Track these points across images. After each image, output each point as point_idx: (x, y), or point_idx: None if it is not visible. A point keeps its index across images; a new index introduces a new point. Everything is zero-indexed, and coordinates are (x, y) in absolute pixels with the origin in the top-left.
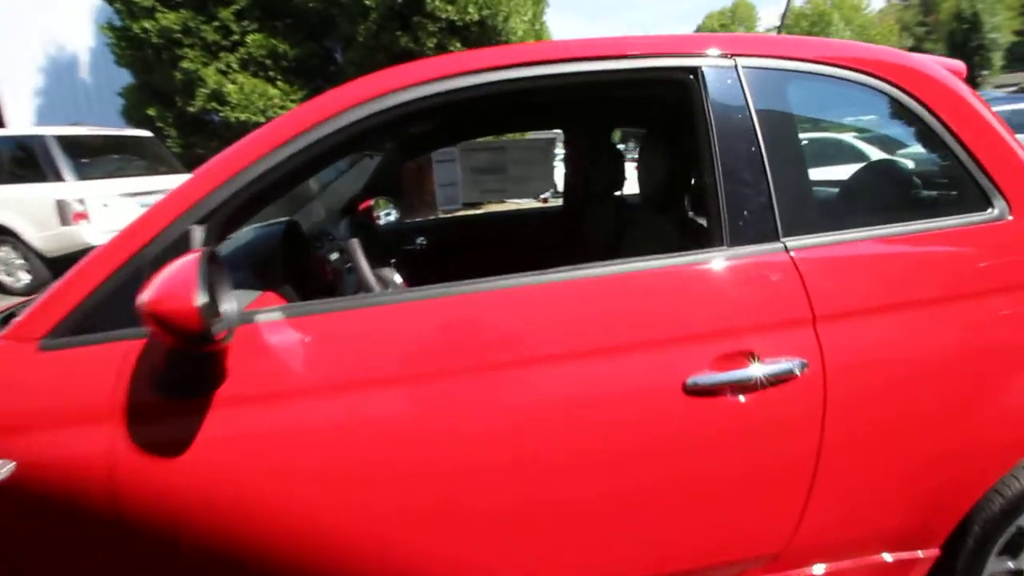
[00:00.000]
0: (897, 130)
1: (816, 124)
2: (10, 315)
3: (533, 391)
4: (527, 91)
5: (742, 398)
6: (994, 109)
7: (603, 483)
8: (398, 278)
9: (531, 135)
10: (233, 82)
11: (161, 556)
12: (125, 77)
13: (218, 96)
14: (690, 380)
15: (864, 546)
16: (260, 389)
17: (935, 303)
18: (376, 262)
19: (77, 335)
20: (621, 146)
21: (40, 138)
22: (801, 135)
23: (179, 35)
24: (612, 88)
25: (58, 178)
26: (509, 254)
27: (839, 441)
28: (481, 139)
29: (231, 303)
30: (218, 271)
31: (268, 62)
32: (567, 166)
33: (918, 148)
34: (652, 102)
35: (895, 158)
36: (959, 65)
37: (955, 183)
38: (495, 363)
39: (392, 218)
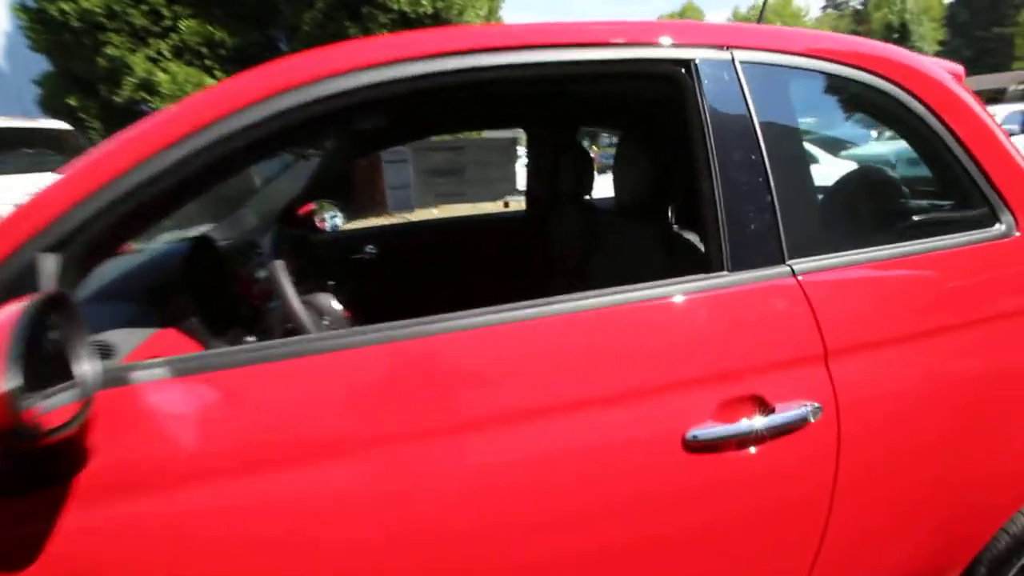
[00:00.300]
0: (847, 131)
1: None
2: None
3: (504, 456)
4: (490, 83)
5: (751, 450)
6: None
7: (589, 557)
8: (336, 305)
9: (489, 134)
10: (164, 70)
11: None
12: (42, 63)
13: (147, 85)
14: (690, 434)
15: None
16: (133, 475)
17: (949, 330)
18: (315, 280)
19: None
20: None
21: None
22: None
23: (102, 19)
24: (588, 82)
25: None
26: (469, 264)
27: (852, 485)
28: (436, 138)
29: (89, 364)
30: (69, 320)
31: (204, 50)
32: (530, 168)
33: (868, 150)
34: (632, 99)
35: (881, 167)
36: (959, 69)
37: (959, 196)
38: (455, 424)
39: (338, 222)
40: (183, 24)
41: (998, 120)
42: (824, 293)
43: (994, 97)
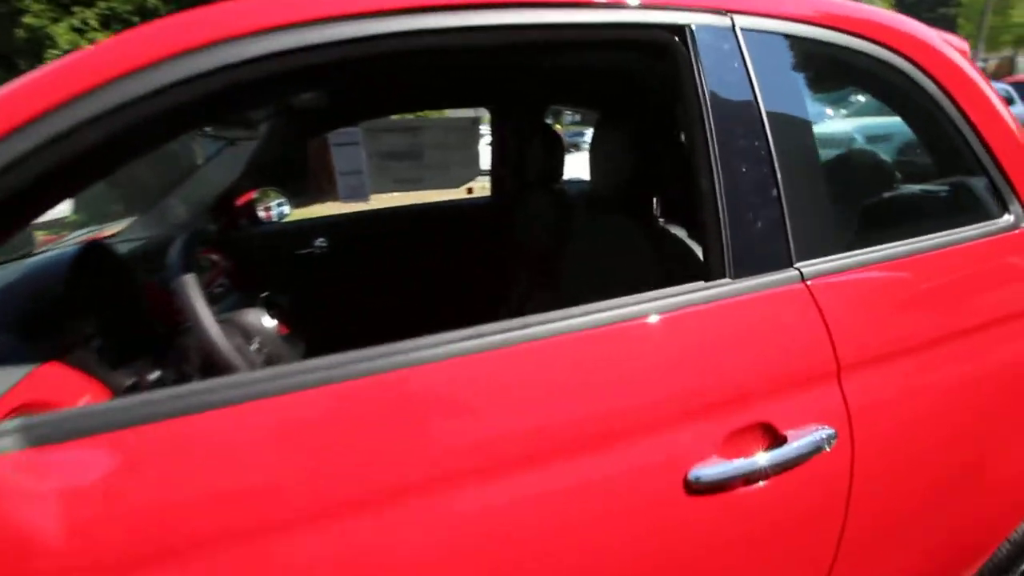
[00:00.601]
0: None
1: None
2: None
3: (469, 524)
4: (446, 51)
5: (761, 484)
6: None
7: None
8: (268, 322)
9: (451, 113)
10: (91, 42)
11: None
12: None
13: None
14: (692, 474)
15: None
16: None
17: (963, 335)
18: (246, 288)
19: None
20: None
21: None
22: None
23: None
24: (562, 51)
25: None
26: (430, 258)
27: (865, 506)
28: (389, 118)
29: None
30: None
31: (136, 19)
32: (495, 152)
33: (829, 128)
34: (613, 72)
35: (872, 150)
36: (964, 45)
37: (963, 183)
38: (411, 484)
39: (285, 211)
40: None
41: None
42: (835, 299)
43: None
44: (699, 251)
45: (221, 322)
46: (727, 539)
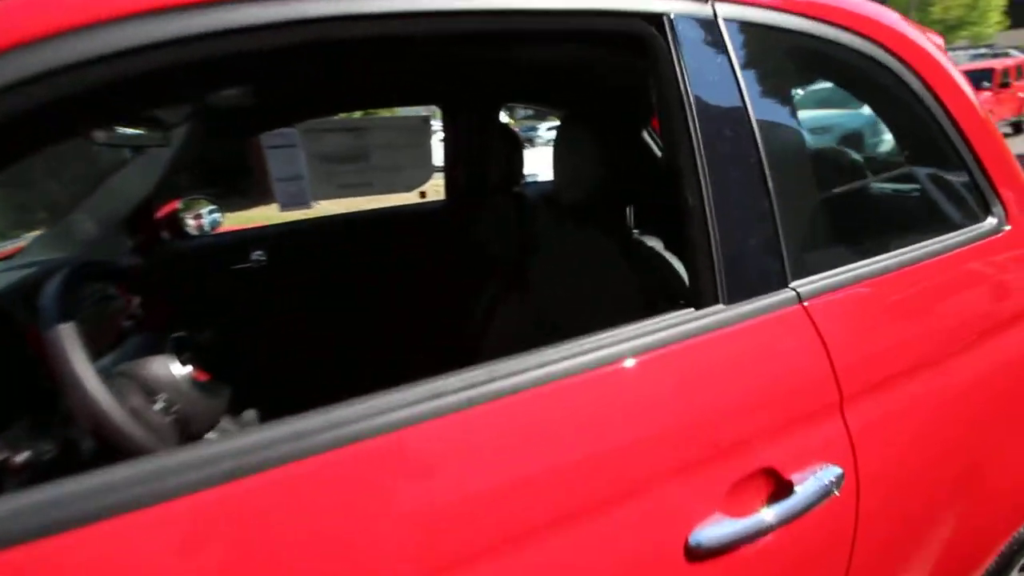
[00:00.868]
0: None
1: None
2: None
3: None
4: (390, 43)
5: (769, 538)
6: None
7: None
8: (179, 370)
9: (400, 112)
10: None
11: None
12: None
13: None
14: (694, 538)
15: None
16: None
17: (963, 345)
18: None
19: None
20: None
21: None
22: None
23: None
24: (525, 42)
25: None
26: (383, 268)
27: (871, 538)
28: (330, 118)
29: None
30: None
31: None
32: (448, 153)
33: None
34: (581, 66)
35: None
36: (940, 40)
37: (947, 186)
38: None
39: (218, 218)
40: None
41: None
42: (833, 321)
43: None
44: (680, 267)
45: (115, 376)
46: None
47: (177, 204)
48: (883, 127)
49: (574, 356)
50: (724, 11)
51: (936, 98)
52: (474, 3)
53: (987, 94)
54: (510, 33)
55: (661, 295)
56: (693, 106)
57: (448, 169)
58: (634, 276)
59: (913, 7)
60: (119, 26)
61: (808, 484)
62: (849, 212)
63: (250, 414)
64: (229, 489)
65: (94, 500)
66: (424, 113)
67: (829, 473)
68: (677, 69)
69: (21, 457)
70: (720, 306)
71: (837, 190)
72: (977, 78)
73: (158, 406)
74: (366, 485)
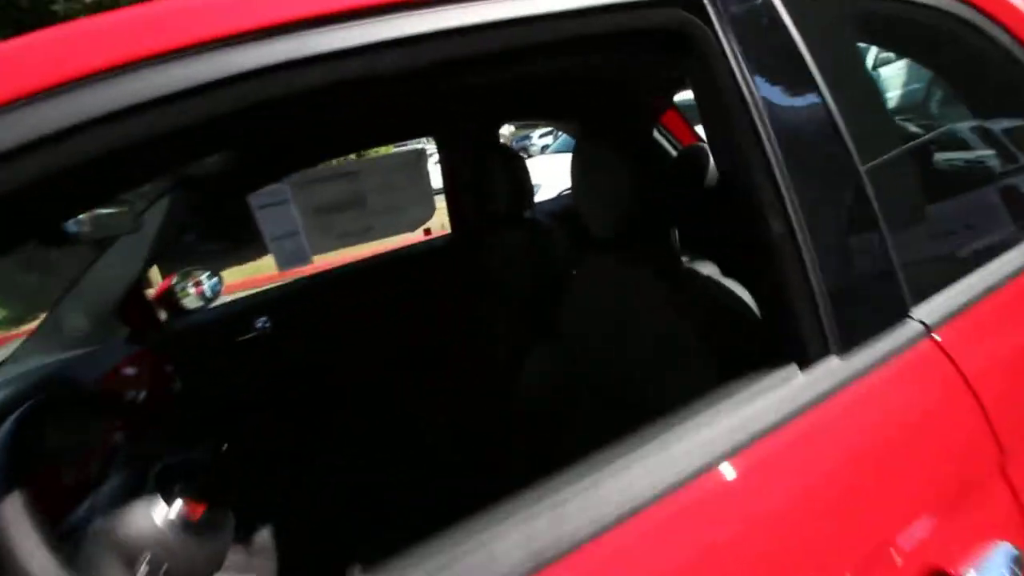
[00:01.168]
0: None
1: None
2: None
3: None
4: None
5: None
6: None
7: None
8: (165, 514)
9: (391, 149)
10: None
11: None
12: None
13: None
14: None
15: None
16: None
17: None
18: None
19: None
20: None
21: None
22: None
23: None
24: (536, 55)
25: None
26: (398, 319)
27: None
28: (317, 167)
29: None
30: None
31: None
32: (448, 185)
33: None
34: (600, 71)
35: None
36: None
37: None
38: None
39: (218, 285)
40: None
41: None
42: (973, 354)
43: None
44: (747, 298)
45: (85, 540)
46: None
47: (172, 280)
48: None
49: (655, 463)
50: None
51: None
52: (487, 14)
53: None
54: (523, 47)
55: (729, 337)
56: (759, 105)
57: (451, 201)
58: (689, 314)
59: None
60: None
61: (983, 571)
62: (955, 203)
63: (264, 537)
64: None
65: None
66: (418, 146)
67: (1004, 556)
68: (732, 62)
69: None
70: (833, 359)
71: (936, 177)
72: None
73: (141, 570)
74: None
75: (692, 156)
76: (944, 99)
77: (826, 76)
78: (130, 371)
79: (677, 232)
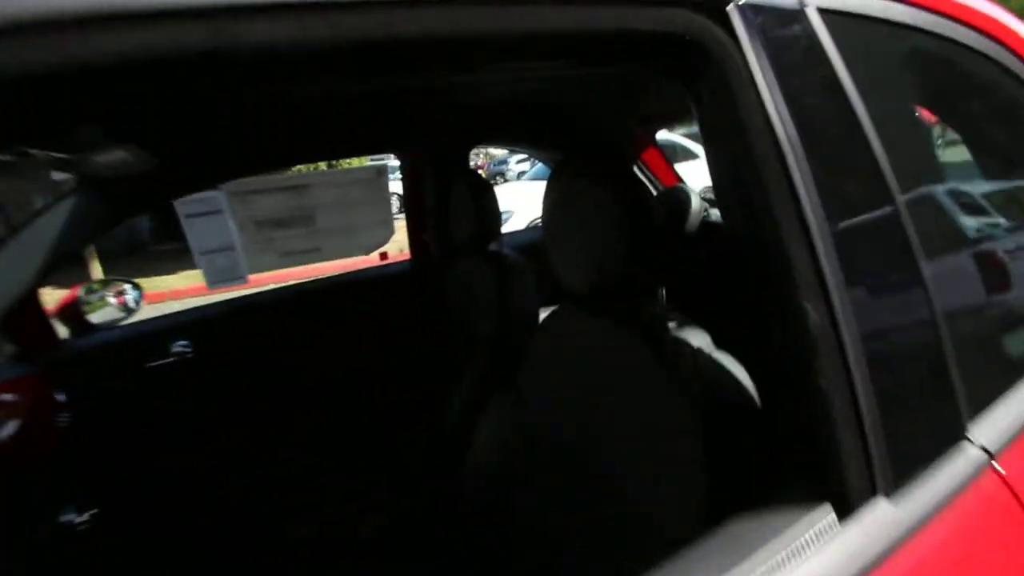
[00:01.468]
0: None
1: None
2: None
3: None
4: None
5: None
6: None
7: None
8: None
9: (350, 163)
10: None
11: None
12: None
13: None
14: None
15: None
16: None
17: None
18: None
19: None
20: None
21: None
22: None
23: None
24: (501, 47)
25: None
26: (343, 352)
27: None
28: (258, 176)
29: None
30: None
31: None
32: (409, 209)
33: None
34: (573, 97)
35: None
36: None
37: None
38: None
39: (139, 297)
40: None
41: None
42: None
43: None
44: (746, 381)
45: None
46: None
47: (77, 292)
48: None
49: None
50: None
51: None
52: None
53: None
54: (485, 35)
55: (724, 431)
56: (796, 150)
57: (411, 225)
58: (675, 393)
59: None
60: None
61: None
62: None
63: None
64: None
65: None
66: (380, 162)
67: None
68: (762, 89)
69: None
70: (881, 502)
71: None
72: None
73: None
74: None
75: (673, 199)
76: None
77: (881, 131)
78: (5, 398)
79: (665, 289)
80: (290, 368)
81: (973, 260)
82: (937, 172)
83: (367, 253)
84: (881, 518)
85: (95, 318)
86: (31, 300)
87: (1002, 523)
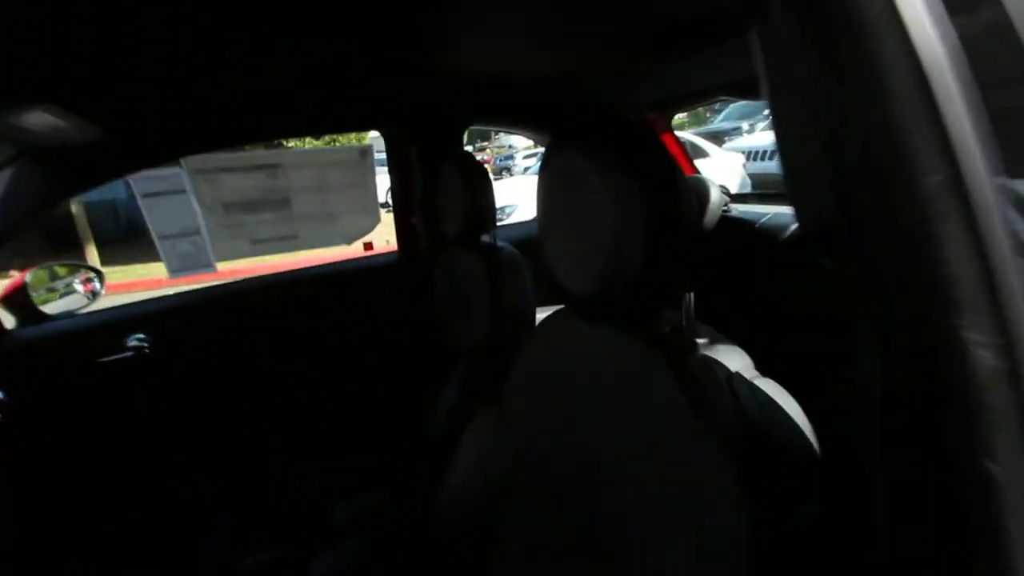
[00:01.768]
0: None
1: None
2: None
3: None
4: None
5: None
6: None
7: None
8: None
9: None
10: None
11: None
12: None
13: None
14: None
15: None
16: None
17: None
18: None
19: None
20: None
21: None
22: None
23: None
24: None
25: None
26: (318, 353)
27: None
28: (231, 152)
29: None
30: None
31: None
32: (395, 191)
33: (747, 143)
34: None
35: None
36: None
37: None
38: None
39: (100, 286)
40: None
41: None
42: None
43: None
44: (799, 417)
45: None
46: None
47: (24, 277)
48: None
49: None
50: None
51: None
52: None
53: None
54: None
55: (772, 483)
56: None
57: (399, 213)
58: (707, 431)
59: None
60: None
61: None
62: None
63: None
64: None
65: None
66: (366, 143)
67: None
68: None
69: None
70: None
71: None
72: None
73: None
74: None
75: (692, 191)
76: None
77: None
78: None
79: (692, 297)
80: (260, 368)
81: None
82: None
83: (349, 243)
84: None
85: (52, 308)
86: None
87: None
